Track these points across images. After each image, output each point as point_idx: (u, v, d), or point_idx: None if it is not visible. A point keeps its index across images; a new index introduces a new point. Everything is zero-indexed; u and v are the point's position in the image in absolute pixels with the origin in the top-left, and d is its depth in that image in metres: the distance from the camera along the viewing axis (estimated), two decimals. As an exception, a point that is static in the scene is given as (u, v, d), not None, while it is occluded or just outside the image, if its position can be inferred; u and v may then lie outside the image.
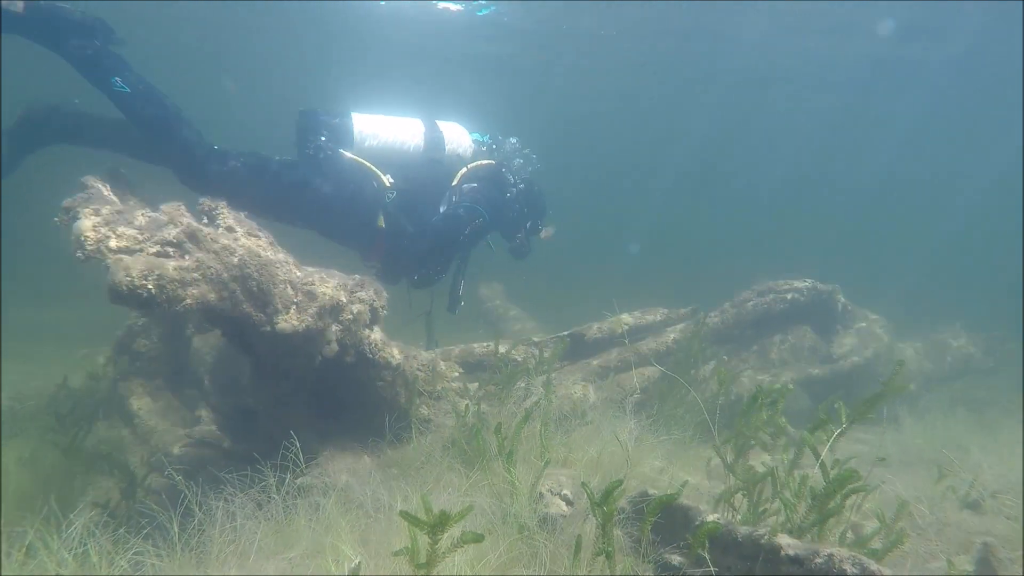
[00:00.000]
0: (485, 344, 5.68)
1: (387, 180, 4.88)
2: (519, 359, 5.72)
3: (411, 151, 5.07)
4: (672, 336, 6.18)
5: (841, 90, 20.94)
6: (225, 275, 3.39)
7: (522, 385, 4.84)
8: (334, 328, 3.87)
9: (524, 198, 5.42)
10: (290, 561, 2.84)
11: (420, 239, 4.96)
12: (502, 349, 5.66)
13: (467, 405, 4.23)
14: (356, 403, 4.43)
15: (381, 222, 4.88)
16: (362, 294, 4.05)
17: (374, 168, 4.94)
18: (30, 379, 6.82)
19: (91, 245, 2.96)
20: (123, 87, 4.33)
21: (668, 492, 2.88)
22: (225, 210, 3.64)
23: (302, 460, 4.01)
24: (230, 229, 3.57)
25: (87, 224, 2.96)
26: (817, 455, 2.95)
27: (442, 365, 4.97)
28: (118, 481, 4.20)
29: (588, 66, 20.33)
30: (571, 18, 16.49)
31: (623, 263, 21.49)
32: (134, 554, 2.46)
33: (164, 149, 4.56)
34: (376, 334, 4.22)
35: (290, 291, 3.65)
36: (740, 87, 21.24)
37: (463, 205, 5.04)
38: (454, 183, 5.19)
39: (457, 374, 5.07)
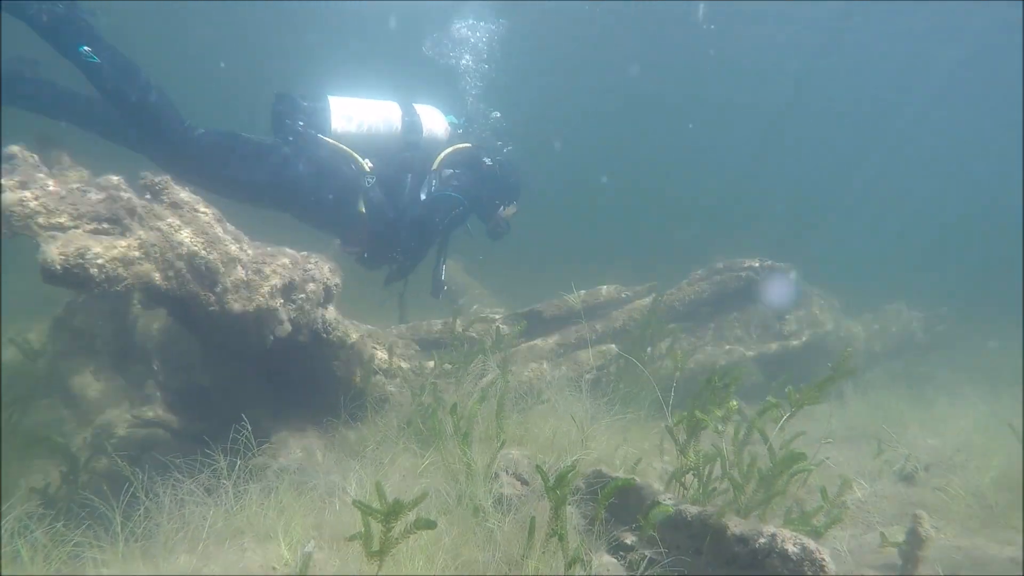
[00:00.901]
0: (442, 321, 5.64)
1: (366, 164, 4.82)
2: (476, 336, 5.70)
3: (389, 135, 5.02)
4: (630, 314, 6.24)
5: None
6: (170, 254, 3.26)
7: (479, 363, 4.84)
8: (287, 308, 3.78)
9: (501, 179, 5.41)
10: (242, 547, 2.79)
11: (400, 226, 4.91)
12: (459, 326, 5.63)
13: (423, 384, 4.20)
14: (311, 382, 4.36)
15: (361, 207, 4.82)
16: (315, 272, 3.95)
17: (352, 152, 4.87)
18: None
19: (18, 221, 2.79)
20: (91, 56, 4.07)
21: (623, 477, 2.92)
22: (170, 185, 3.48)
23: (254, 441, 3.94)
24: (175, 205, 3.42)
25: (12, 198, 2.79)
26: (766, 439, 3.02)
27: (398, 343, 4.92)
28: (58, 465, 4.05)
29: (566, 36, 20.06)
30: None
31: (588, 240, 21.53)
32: (73, 546, 2.37)
33: (136, 126, 4.36)
34: (330, 313, 4.14)
35: (240, 270, 3.53)
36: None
37: (443, 192, 5.01)
38: (434, 167, 5.15)
39: (413, 352, 5.02)
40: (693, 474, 3.12)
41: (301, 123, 4.74)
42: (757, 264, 7.09)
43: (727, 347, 6.89)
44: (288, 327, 3.74)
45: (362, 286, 5.92)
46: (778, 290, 7.55)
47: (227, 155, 4.55)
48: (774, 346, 7.16)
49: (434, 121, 5.26)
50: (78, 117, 4.45)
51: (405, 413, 4.28)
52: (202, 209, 3.52)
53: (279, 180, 4.67)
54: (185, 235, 3.31)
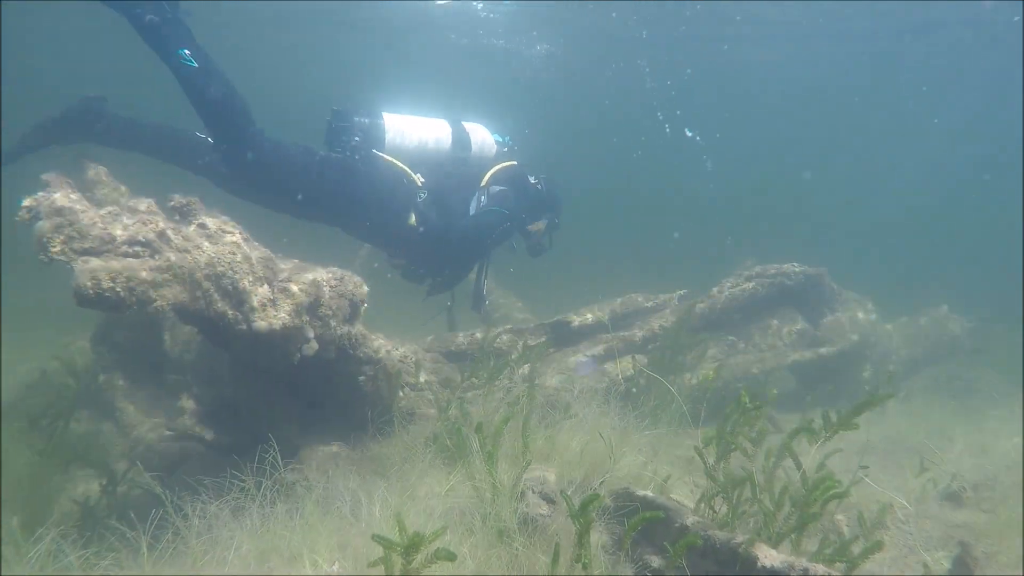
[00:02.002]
0: (469, 332, 5.63)
1: (418, 179, 4.95)
2: (503, 348, 5.68)
3: (439, 151, 5.17)
4: (659, 323, 6.15)
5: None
6: (198, 274, 3.31)
7: (506, 376, 4.81)
8: (313, 325, 3.80)
9: (546, 197, 5.53)
10: (269, 568, 2.81)
11: (450, 240, 5.02)
12: (486, 338, 5.61)
13: (449, 399, 4.19)
14: (338, 397, 4.39)
15: (412, 220, 4.92)
16: (341, 288, 3.97)
17: (405, 168, 5.01)
18: (14, 366, 6.73)
19: (55, 247, 2.86)
20: (190, 60, 4.20)
21: (651, 499, 2.86)
22: (198, 206, 3.54)
23: (281, 458, 3.98)
24: (203, 226, 3.47)
25: (48, 226, 2.86)
26: (798, 464, 2.93)
27: (426, 359, 4.92)
28: (98, 477, 4.16)
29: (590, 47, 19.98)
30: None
31: (618, 247, 21.36)
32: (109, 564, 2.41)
33: (213, 126, 4.51)
34: (357, 328, 4.16)
35: (266, 288, 3.57)
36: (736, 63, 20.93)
37: (492, 209, 5.11)
38: (483, 184, 5.26)
39: (440, 365, 5.02)
40: (722, 496, 3.05)
41: (357, 138, 4.89)
42: (790, 269, 6.92)
43: (760, 355, 6.74)
44: (315, 345, 3.76)
45: (399, 298, 5.99)
46: (812, 295, 7.36)
47: (291, 165, 4.71)
48: (808, 353, 6.98)
49: (482, 139, 5.39)
50: (147, 146, 4.70)
51: (432, 428, 4.28)
52: (229, 228, 3.57)
53: (337, 193, 4.82)
54: (212, 255, 3.35)
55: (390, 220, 4.92)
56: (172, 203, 3.47)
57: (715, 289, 6.66)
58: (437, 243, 5.03)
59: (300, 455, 4.22)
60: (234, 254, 3.45)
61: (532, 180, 5.48)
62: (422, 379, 4.77)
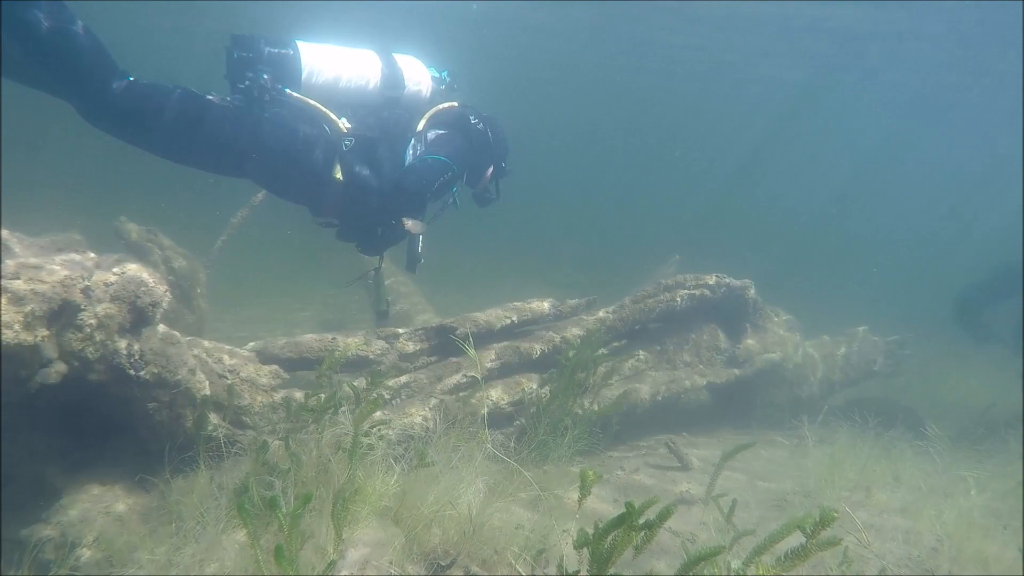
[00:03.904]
0: (322, 336, 4.62)
1: (343, 124, 4.14)
2: (372, 357, 4.73)
3: (367, 89, 4.30)
4: (562, 334, 5.33)
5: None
6: None
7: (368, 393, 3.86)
8: (64, 339, 2.74)
9: (491, 142, 4.78)
10: None
11: (383, 193, 4.23)
12: (351, 341, 4.64)
13: (264, 441, 3.21)
14: (121, 428, 3.34)
15: (338, 173, 4.13)
16: (120, 288, 2.91)
17: (326, 110, 4.11)
18: None
19: None
20: None
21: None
22: None
23: (37, 503, 2.95)
24: None
25: None
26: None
27: (260, 372, 3.91)
28: None
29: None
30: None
31: (541, 245, 20.55)
32: None
33: (66, 85, 3.53)
34: (144, 341, 3.11)
35: (-21, 287, 2.48)
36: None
37: (431, 156, 4.33)
38: (418, 128, 4.44)
39: (279, 381, 4.02)
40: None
41: (266, 75, 3.94)
42: (712, 280, 6.25)
43: (673, 374, 6.05)
44: (61, 368, 2.71)
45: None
46: (734, 308, 6.74)
47: (190, 123, 3.78)
48: (725, 373, 6.36)
49: (417, 75, 4.51)
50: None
51: (242, 475, 3.30)
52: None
53: (246, 145, 3.90)
54: None
55: (310, 174, 4.10)
56: None
57: (627, 298, 5.90)
58: (367, 197, 4.23)
59: (63, 501, 3.18)
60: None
61: (476, 123, 4.67)
62: (252, 400, 3.76)
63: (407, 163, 4.35)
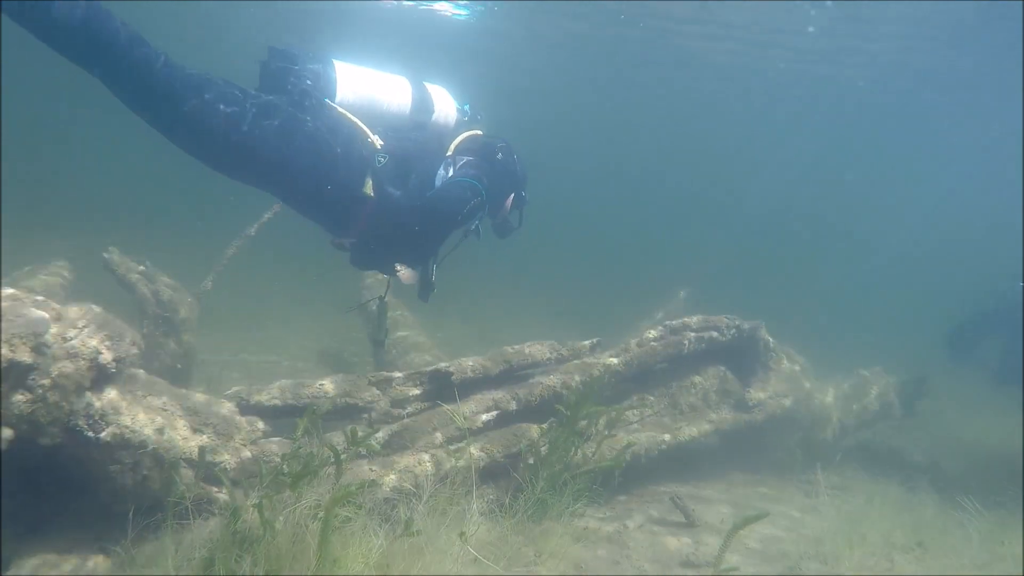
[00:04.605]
0: (306, 383, 4.36)
1: (376, 141, 4.10)
2: (362, 404, 4.48)
3: (396, 112, 4.34)
4: (563, 378, 5.06)
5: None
6: None
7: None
8: (16, 400, 2.50)
9: (510, 169, 4.75)
10: None
11: (416, 214, 4.15)
12: (337, 388, 4.39)
13: (235, 509, 2.95)
14: (83, 486, 3.08)
15: (368, 189, 4.02)
16: (76, 343, 2.68)
17: (362, 125, 4.09)
18: None
19: None
20: None
21: None
22: None
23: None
24: None
25: None
26: None
27: (239, 425, 3.65)
28: None
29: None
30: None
31: (555, 269, 20.30)
32: None
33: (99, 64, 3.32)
34: (107, 399, 2.87)
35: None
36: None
37: (463, 179, 4.27)
38: (449, 152, 4.44)
39: (260, 433, 3.77)
40: None
41: (309, 81, 3.93)
42: (722, 322, 5.98)
43: (680, 420, 5.77)
44: (7, 434, 2.46)
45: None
46: (745, 350, 6.47)
47: (232, 120, 3.62)
48: (735, 418, 6.07)
49: (444, 103, 4.57)
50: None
51: (214, 539, 3.04)
52: None
53: (279, 151, 3.76)
54: None
55: (341, 187, 4.00)
56: None
57: (633, 341, 5.63)
58: (397, 216, 4.13)
59: (10, 571, 2.92)
60: None
61: (498, 148, 4.66)
62: (228, 456, 3.50)
63: (438, 185, 4.32)
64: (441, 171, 4.37)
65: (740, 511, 5.63)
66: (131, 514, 3.10)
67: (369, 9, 15.70)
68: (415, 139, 4.34)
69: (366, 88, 4.19)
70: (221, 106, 3.55)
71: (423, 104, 4.40)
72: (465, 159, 4.46)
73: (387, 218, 4.12)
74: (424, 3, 14.98)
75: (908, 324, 19.95)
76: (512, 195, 4.83)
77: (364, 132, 4.07)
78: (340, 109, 4.06)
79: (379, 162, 4.06)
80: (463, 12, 15.55)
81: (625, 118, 27.04)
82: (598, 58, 18.03)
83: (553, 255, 22.21)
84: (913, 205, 35.79)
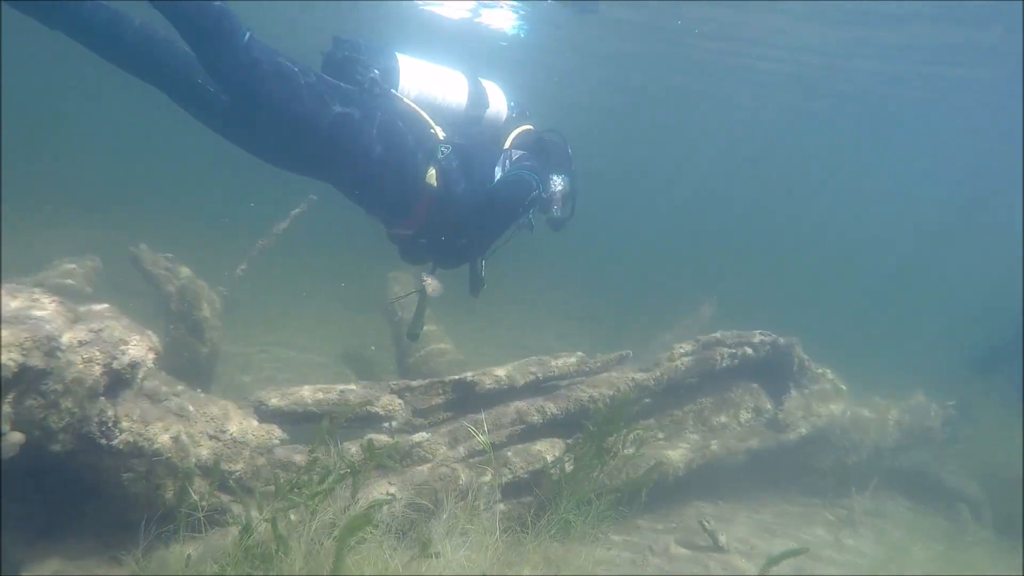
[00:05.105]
0: (326, 388, 4.25)
1: (439, 132, 4.12)
2: (382, 412, 4.36)
3: (454, 106, 4.35)
4: (590, 392, 4.89)
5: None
6: None
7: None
8: (29, 405, 2.42)
9: (561, 162, 4.76)
10: None
11: (478, 207, 4.17)
12: (357, 396, 4.28)
13: (246, 524, 2.84)
14: (96, 490, 3.01)
15: (432, 179, 3.99)
16: (91, 348, 2.59)
17: (426, 116, 4.09)
18: None
19: None
20: None
21: None
22: None
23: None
24: None
25: None
26: None
27: (256, 432, 3.56)
28: None
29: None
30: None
31: (583, 272, 20.04)
32: None
33: (199, 40, 3.33)
34: (121, 406, 2.78)
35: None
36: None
37: (521, 172, 4.28)
38: (506, 146, 4.45)
39: (277, 440, 3.66)
40: None
41: (376, 71, 3.91)
42: (756, 339, 5.76)
43: (709, 438, 5.56)
44: (17, 438, 2.38)
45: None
46: (778, 367, 6.23)
47: (295, 86, 3.55)
48: (767, 439, 5.84)
49: (498, 99, 4.57)
50: (129, 50, 3.39)
51: (226, 554, 2.94)
52: None
53: (347, 137, 3.73)
54: None
55: (405, 177, 4.00)
56: None
57: (664, 355, 5.44)
58: (457, 207, 4.12)
59: (23, 571, 2.86)
60: None
61: (551, 142, 4.71)
62: (244, 465, 3.41)
63: (497, 179, 4.33)
64: (499, 164, 4.39)
65: (771, 535, 5.41)
66: (144, 523, 3.03)
67: (414, 15, 15.57)
68: (473, 132, 4.37)
69: (426, 81, 4.20)
70: (306, 93, 3.53)
71: (478, 99, 4.40)
72: (520, 152, 4.48)
73: (448, 210, 4.11)
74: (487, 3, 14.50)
75: (922, 333, 19.34)
76: (564, 187, 4.75)
77: (428, 123, 4.08)
78: (406, 100, 4.05)
79: (442, 153, 4.05)
80: (519, 29, 15.16)
81: (657, 126, 26.71)
82: (635, 67, 17.73)
83: (583, 262, 21.98)
84: (917, 209, 34.77)
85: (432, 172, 4.01)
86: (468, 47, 15.88)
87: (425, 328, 7.57)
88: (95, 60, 3.42)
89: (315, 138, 3.65)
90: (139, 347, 2.77)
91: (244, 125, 3.64)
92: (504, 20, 14.84)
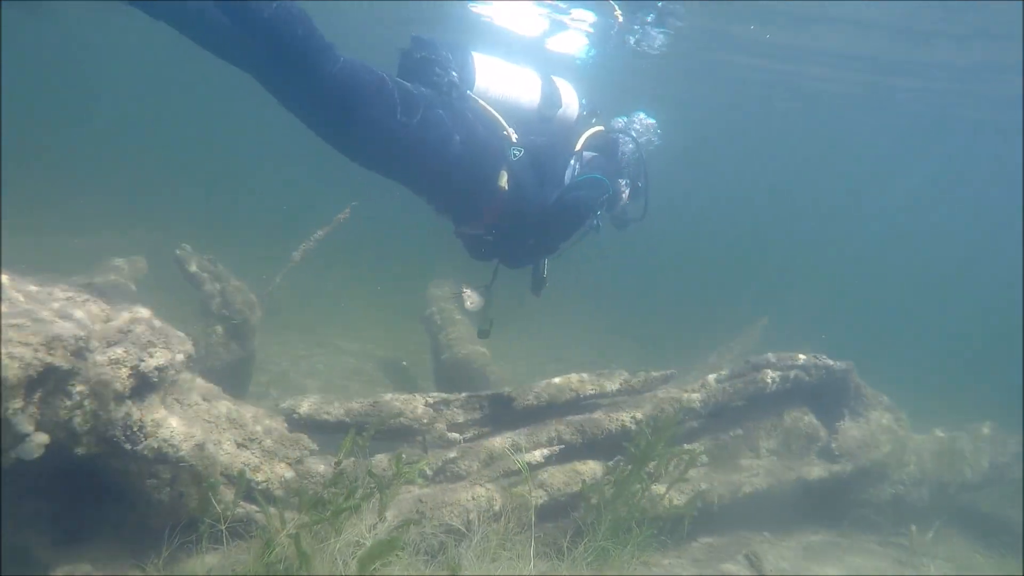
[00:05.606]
0: (359, 401, 4.14)
1: (512, 134, 4.09)
2: (416, 426, 4.22)
3: (526, 106, 4.29)
4: (633, 413, 4.66)
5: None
6: None
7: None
8: (49, 406, 2.35)
9: (632, 162, 4.71)
10: None
11: (550, 210, 4.16)
12: (391, 408, 4.15)
13: (268, 539, 2.72)
14: (117, 500, 2.93)
15: (503, 181, 3.97)
16: (118, 349, 2.51)
17: (500, 118, 4.05)
18: None
19: None
20: None
21: None
22: None
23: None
24: None
25: None
26: None
27: (285, 442, 3.45)
28: None
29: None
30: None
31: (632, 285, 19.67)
32: None
33: (277, 71, 3.39)
34: (147, 410, 2.70)
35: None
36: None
37: (592, 177, 4.25)
38: (577, 148, 4.36)
39: (307, 451, 3.55)
40: None
41: (455, 72, 3.89)
42: (810, 362, 5.44)
43: (757, 466, 5.25)
44: (43, 439, 2.31)
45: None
46: (832, 392, 5.88)
47: (375, 95, 3.57)
48: (820, 469, 5.50)
49: (570, 98, 4.48)
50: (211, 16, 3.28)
51: (249, 569, 2.82)
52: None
53: (427, 139, 3.72)
54: None
55: (478, 178, 3.98)
56: None
57: (711, 377, 5.17)
58: (528, 208, 4.10)
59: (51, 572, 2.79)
60: None
61: (622, 142, 4.65)
62: (270, 475, 3.30)
63: (568, 181, 4.27)
64: (570, 167, 4.31)
65: (820, 568, 5.08)
66: (167, 531, 2.94)
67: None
68: (544, 133, 4.29)
69: (501, 80, 4.14)
70: (397, 96, 3.52)
71: (551, 98, 4.32)
72: (592, 155, 4.40)
73: (517, 212, 4.06)
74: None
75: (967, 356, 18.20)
76: (629, 189, 4.64)
77: (501, 124, 4.02)
78: (481, 101, 4.00)
79: (514, 155, 3.99)
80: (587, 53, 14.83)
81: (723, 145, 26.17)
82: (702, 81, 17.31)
83: (630, 276, 21.63)
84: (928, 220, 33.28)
85: (504, 175, 3.96)
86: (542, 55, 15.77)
87: (463, 329, 7.51)
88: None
89: (396, 146, 3.63)
90: (169, 350, 2.69)
91: (331, 125, 3.63)
92: (574, 44, 14.55)
